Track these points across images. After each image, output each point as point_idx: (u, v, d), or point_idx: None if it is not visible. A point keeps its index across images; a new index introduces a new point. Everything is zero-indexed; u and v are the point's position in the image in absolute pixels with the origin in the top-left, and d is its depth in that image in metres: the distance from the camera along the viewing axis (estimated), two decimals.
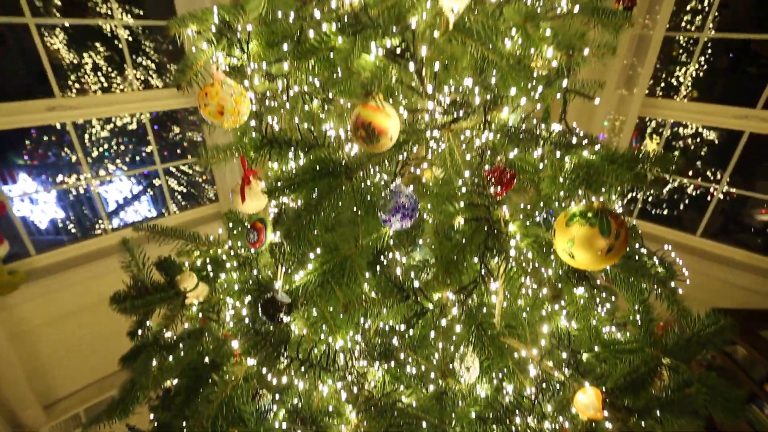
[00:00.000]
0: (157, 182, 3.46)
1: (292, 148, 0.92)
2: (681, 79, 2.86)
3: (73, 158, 2.45)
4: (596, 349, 0.88)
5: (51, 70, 1.98)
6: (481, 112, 0.73)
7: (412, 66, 0.65)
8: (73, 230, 3.27)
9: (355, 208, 0.89)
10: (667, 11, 2.28)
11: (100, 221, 2.37)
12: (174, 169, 3.59)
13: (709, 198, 2.55)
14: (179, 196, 3.66)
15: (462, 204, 0.80)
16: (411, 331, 0.92)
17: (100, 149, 3.28)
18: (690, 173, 2.95)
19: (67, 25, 2.60)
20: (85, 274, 2.10)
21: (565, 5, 0.87)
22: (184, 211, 2.59)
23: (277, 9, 0.82)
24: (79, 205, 3.33)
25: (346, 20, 0.72)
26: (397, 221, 0.80)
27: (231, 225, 1.25)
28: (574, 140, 0.80)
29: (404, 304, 0.79)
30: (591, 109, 2.54)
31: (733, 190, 2.46)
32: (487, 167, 0.89)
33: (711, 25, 2.40)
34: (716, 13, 2.35)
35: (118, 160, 3.33)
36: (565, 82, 0.81)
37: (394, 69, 0.68)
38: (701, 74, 2.80)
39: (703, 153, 3.36)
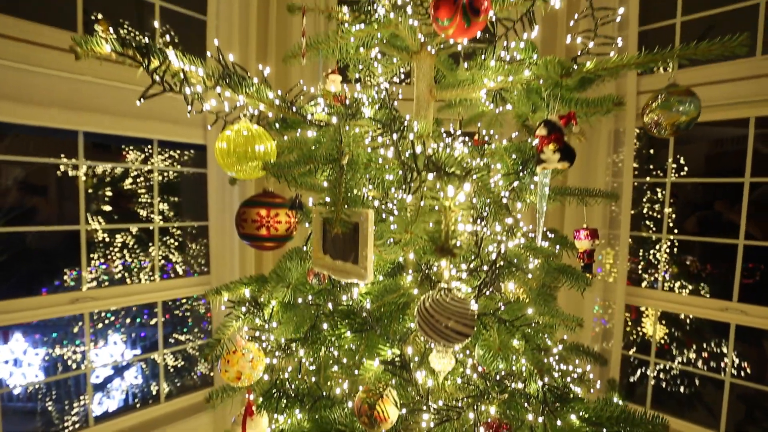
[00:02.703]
0: (154, 355, 3.40)
1: (299, 402, 0.99)
2: (657, 273, 3.11)
3: (75, 329, 2.51)
4: None
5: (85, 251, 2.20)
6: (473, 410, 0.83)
7: (409, 375, 0.78)
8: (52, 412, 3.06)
9: None
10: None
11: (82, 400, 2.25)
12: (173, 341, 3.57)
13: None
14: (173, 371, 3.53)
15: None
16: None
17: (104, 322, 3.34)
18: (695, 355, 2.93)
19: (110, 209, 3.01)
20: None
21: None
22: (173, 398, 2.49)
23: (298, 297, 1.00)
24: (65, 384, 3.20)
25: (354, 317, 0.88)
26: None
27: None
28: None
29: None
30: (578, 300, 2.70)
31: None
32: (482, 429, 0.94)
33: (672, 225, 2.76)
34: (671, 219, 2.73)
35: (118, 335, 3.35)
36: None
37: (393, 378, 0.80)
38: (675, 267, 3.07)
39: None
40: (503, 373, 0.92)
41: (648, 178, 2.81)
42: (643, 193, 2.94)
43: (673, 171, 2.75)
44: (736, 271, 2.40)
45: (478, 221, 0.87)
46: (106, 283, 2.63)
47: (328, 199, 0.91)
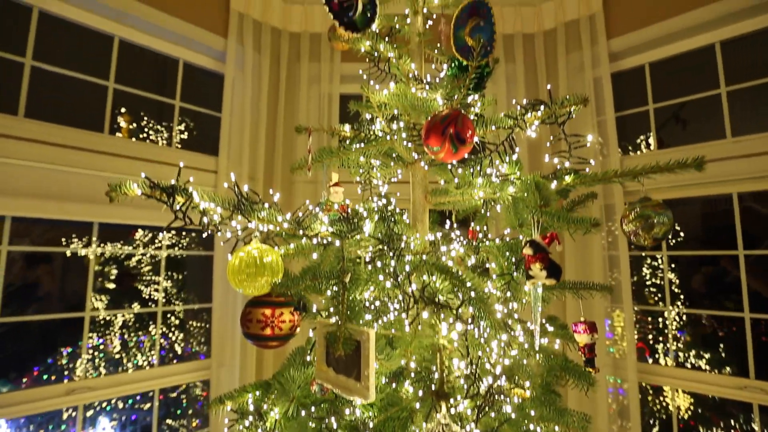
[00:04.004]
0: None
1: None
2: (669, 343, 3.04)
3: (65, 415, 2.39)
4: None
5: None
6: None
7: None
8: None
9: None
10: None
11: None
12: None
13: None
14: None
15: None
16: None
17: (95, 408, 3.19)
18: None
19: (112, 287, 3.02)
20: None
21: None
22: None
23: (302, 409, 1.00)
24: None
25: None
26: None
27: None
28: None
29: None
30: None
31: None
32: None
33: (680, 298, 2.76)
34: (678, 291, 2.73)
35: (108, 420, 3.19)
36: None
37: None
38: (687, 339, 3.00)
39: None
40: None
41: (644, 253, 2.86)
42: (643, 259, 2.97)
43: (669, 237, 2.80)
44: (748, 347, 2.35)
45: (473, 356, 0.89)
46: (102, 364, 2.58)
47: (331, 309, 0.95)
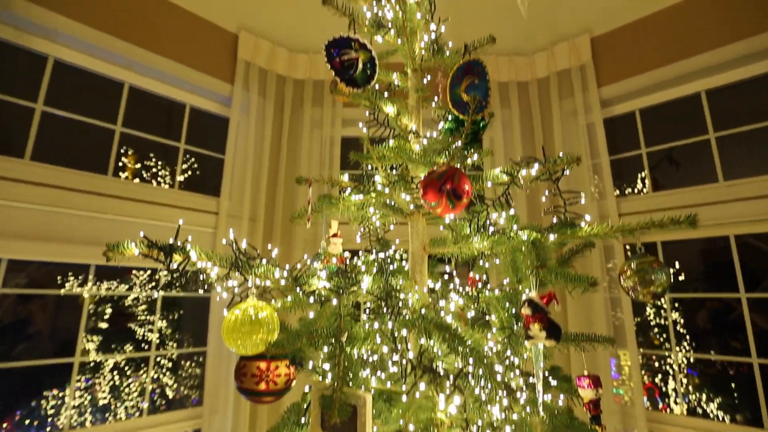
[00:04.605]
0: None
1: None
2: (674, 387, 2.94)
3: None
4: None
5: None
6: None
7: None
8: None
9: None
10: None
11: None
12: None
13: None
14: None
15: None
16: None
17: None
18: None
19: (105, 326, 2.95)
20: None
21: None
22: None
23: None
24: None
25: None
26: None
27: None
28: None
29: None
30: None
31: None
32: None
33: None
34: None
35: None
36: None
37: None
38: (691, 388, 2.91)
39: None
40: None
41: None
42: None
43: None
44: (760, 394, 2.27)
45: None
46: (89, 409, 2.47)
47: (327, 366, 0.93)
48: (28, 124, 2.13)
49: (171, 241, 0.86)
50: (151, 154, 2.69)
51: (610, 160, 2.66)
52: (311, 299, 0.96)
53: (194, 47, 2.58)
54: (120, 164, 2.53)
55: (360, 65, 1.31)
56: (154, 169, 2.72)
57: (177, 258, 0.86)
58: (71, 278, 2.43)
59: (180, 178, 2.67)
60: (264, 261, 0.97)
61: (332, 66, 1.29)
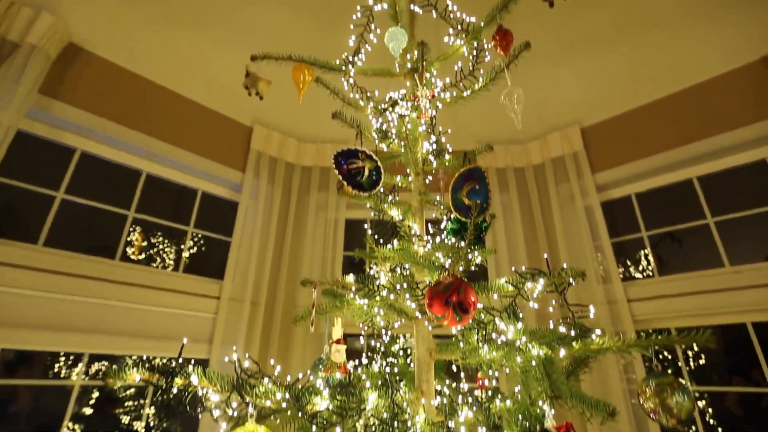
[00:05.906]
0: None
1: None
2: None
3: None
4: None
5: None
6: None
7: None
8: None
9: None
10: None
11: None
12: None
13: None
14: None
15: None
16: None
17: None
18: None
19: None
20: None
21: None
22: None
23: None
24: None
25: None
26: None
27: None
28: None
29: None
30: None
31: None
32: None
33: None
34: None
35: None
36: None
37: None
38: None
39: None
40: None
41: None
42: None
43: (691, 363, 2.62)
44: None
45: None
46: None
47: None
48: (46, 211, 2.21)
49: (173, 363, 0.84)
50: (159, 233, 2.74)
51: (612, 243, 2.68)
52: (314, 427, 0.90)
53: (211, 139, 2.77)
54: (128, 239, 2.57)
55: (366, 172, 1.39)
56: (161, 251, 2.76)
57: (178, 382, 0.83)
58: (62, 358, 2.33)
59: (185, 255, 2.69)
60: (266, 380, 0.93)
61: (340, 172, 1.37)
